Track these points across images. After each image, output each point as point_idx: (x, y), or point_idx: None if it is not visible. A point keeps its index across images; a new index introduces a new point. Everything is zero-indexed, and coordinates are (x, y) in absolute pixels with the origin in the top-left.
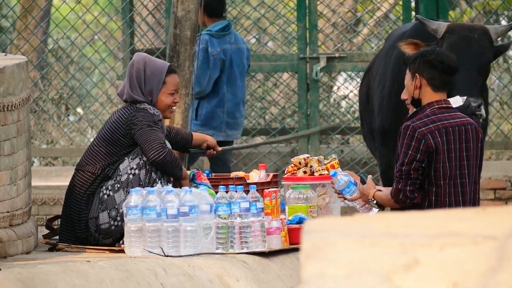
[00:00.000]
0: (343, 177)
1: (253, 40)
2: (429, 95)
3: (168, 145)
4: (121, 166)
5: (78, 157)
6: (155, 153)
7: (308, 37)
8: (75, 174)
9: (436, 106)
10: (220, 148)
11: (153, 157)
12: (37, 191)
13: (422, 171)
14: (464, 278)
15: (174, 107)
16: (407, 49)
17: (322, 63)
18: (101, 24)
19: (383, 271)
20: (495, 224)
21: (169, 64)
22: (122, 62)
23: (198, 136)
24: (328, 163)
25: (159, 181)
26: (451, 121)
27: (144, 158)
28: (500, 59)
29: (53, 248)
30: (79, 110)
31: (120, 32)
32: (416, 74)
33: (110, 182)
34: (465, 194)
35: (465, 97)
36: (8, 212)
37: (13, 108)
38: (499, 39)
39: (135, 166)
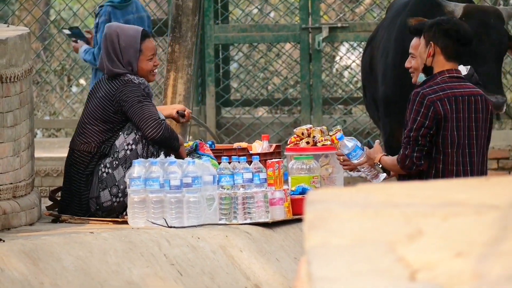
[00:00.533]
0: (349, 141)
1: (255, 11)
2: (441, 64)
3: (162, 116)
4: (117, 143)
5: None
6: (152, 131)
7: (310, 7)
8: (70, 154)
9: (447, 75)
10: (188, 110)
11: (151, 135)
12: (40, 162)
13: (430, 138)
14: (467, 248)
15: (155, 70)
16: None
17: (325, 33)
18: None
19: (386, 241)
20: (498, 193)
21: (141, 29)
22: None
23: (163, 108)
24: (333, 134)
25: (156, 153)
26: (461, 90)
27: (140, 133)
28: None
29: (56, 220)
30: (81, 81)
31: None
32: (431, 42)
33: (108, 160)
34: (473, 164)
35: (469, 66)
36: (11, 183)
37: (16, 80)
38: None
39: (131, 142)
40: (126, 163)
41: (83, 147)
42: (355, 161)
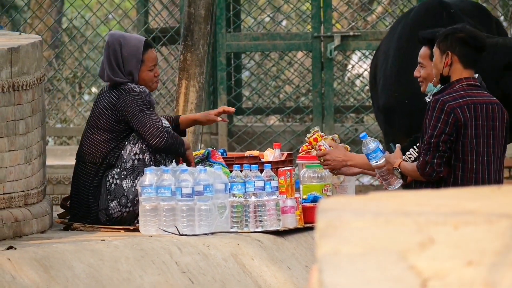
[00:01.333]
0: (372, 141)
1: (267, 19)
2: (459, 72)
3: (165, 123)
4: (124, 153)
5: None
6: (156, 140)
7: (323, 16)
8: (77, 165)
9: (465, 83)
10: (231, 109)
11: (155, 144)
12: (52, 170)
13: (450, 144)
14: (479, 256)
15: (156, 80)
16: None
17: (337, 41)
18: (115, 3)
19: (398, 249)
20: (510, 202)
21: (144, 39)
22: None
23: (186, 117)
24: (310, 136)
25: (163, 161)
26: (479, 98)
27: (146, 142)
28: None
29: (68, 227)
30: (93, 89)
31: (134, 11)
32: (448, 51)
33: (116, 171)
34: (490, 173)
35: (477, 75)
36: (23, 191)
37: (28, 88)
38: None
39: (138, 151)
40: (134, 173)
41: (88, 158)
42: (374, 163)
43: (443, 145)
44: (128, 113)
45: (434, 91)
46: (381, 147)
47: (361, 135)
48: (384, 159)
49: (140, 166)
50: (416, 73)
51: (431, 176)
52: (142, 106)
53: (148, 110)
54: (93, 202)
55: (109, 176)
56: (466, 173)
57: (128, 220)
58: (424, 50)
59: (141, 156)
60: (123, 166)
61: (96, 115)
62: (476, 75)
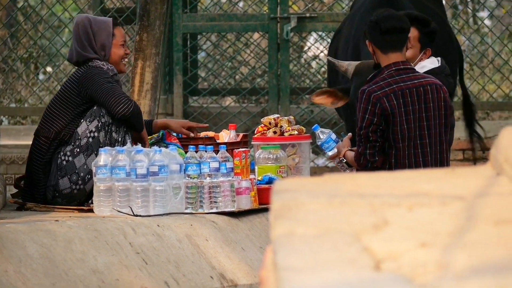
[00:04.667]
0: (322, 133)
1: (224, 0)
2: (383, 58)
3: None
4: (79, 130)
5: None
6: (123, 107)
7: None
8: (33, 141)
9: (394, 68)
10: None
11: (123, 111)
12: (6, 150)
13: (381, 133)
14: (432, 238)
15: (126, 59)
16: (322, 100)
17: (293, 23)
18: None
19: (352, 231)
20: (464, 184)
21: (111, 18)
22: None
23: (159, 122)
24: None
25: (121, 140)
26: (408, 82)
27: (103, 120)
28: (471, 20)
29: (21, 207)
30: (48, 69)
31: None
32: (367, 40)
33: (69, 148)
34: (426, 155)
35: (439, 58)
36: None
37: None
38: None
39: (93, 129)
40: (88, 151)
41: (42, 133)
42: (329, 153)
43: (373, 135)
44: (93, 83)
45: None
46: (333, 137)
47: (313, 127)
48: (336, 149)
49: (94, 144)
50: None
51: (366, 166)
52: (110, 78)
53: (115, 84)
54: (43, 178)
55: (61, 153)
56: (399, 160)
57: (78, 197)
58: (411, 31)
59: (96, 134)
60: (76, 143)
61: (59, 91)
62: (439, 58)
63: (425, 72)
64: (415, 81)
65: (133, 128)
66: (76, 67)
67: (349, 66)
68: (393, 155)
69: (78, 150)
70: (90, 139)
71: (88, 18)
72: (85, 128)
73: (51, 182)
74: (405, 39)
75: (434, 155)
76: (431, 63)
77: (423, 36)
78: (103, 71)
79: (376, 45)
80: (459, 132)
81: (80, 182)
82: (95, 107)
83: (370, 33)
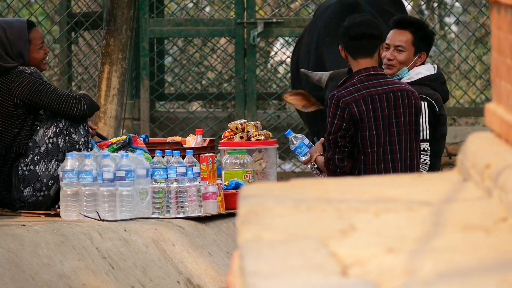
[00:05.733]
0: (295, 138)
1: (191, 5)
2: (353, 63)
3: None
4: (37, 138)
5: None
6: (78, 108)
7: (246, 2)
8: None
9: (364, 74)
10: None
11: (80, 112)
12: None
13: (350, 139)
14: (399, 243)
15: (46, 58)
16: (295, 101)
17: (260, 28)
18: None
19: (319, 236)
20: (431, 190)
21: (25, 20)
22: (58, 25)
23: None
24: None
25: (82, 141)
26: (378, 88)
27: (61, 124)
28: (437, 26)
29: None
30: None
31: None
32: (340, 46)
33: (29, 157)
34: (395, 161)
35: (436, 65)
36: None
37: None
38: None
39: (52, 135)
40: (48, 157)
41: None
42: (302, 158)
43: (342, 140)
44: (34, 95)
45: (405, 76)
46: (306, 142)
47: (286, 133)
48: (309, 153)
49: (54, 150)
50: (389, 55)
51: (335, 172)
52: (43, 82)
53: (49, 84)
54: (5, 193)
55: (22, 164)
56: (368, 165)
57: (44, 203)
58: (405, 35)
59: (55, 139)
60: (36, 151)
61: None
62: (435, 65)
63: (420, 79)
64: (385, 87)
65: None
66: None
67: (322, 75)
68: (362, 160)
69: (38, 157)
70: (50, 145)
71: (2, 25)
72: (43, 135)
73: (14, 196)
74: (375, 45)
75: (404, 162)
76: (427, 69)
77: (417, 40)
78: (30, 75)
79: (347, 51)
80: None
81: (44, 188)
82: (48, 113)
83: (341, 39)
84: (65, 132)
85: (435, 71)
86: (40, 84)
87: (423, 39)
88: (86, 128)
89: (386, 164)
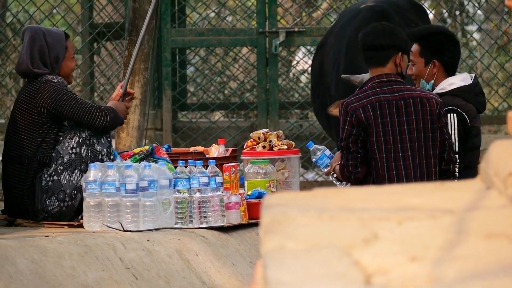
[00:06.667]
0: (317, 149)
1: (212, 14)
2: (371, 72)
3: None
4: (60, 148)
5: None
6: (101, 120)
7: (267, 11)
8: (4, 167)
9: (376, 81)
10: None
11: (103, 123)
12: None
13: (362, 144)
14: (422, 252)
15: (74, 72)
16: (338, 112)
17: (282, 37)
18: None
19: (342, 245)
20: (453, 198)
21: (63, 30)
22: (81, 36)
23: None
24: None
25: (104, 152)
26: (388, 95)
27: (84, 134)
28: (459, 34)
29: (11, 223)
30: None
31: (79, 6)
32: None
33: (52, 168)
34: (408, 168)
35: (473, 75)
36: None
37: None
38: None
39: (75, 145)
40: (71, 167)
41: (14, 159)
42: (324, 169)
43: (354, 146)
44: (59, 104)
45: (427, 87)
46: (327, 153)
47: (307, 144)
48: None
49: (77, 160)
50: (409, 71)
51: (350, 178)
52: (68, 92)
53: (75, 95)
54: (29, 203)
55: (45, 175)
56: (379, 172)
57: (67, 214)
58: (414, 47)
59: (78, 150)
60: (59, 162)
61: (16, 113)
62: (473, 75)
63: (452, 90)
64: (396, 94)
65: (119, 125)
66: (25, 84)
67: (364, 77)
68: (373, 166)
69: (61, 168)
70: (73, 155)
71: (42, 29)
72: (66, 145)
73: (38, 207)
74: (387, 55)
75: (419, 169)
76: (462, 80)
77: (423, 50)
78: (56, 84)
79: (365, 59)
80: None
81: (67, 199)
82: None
83: (361, 48)
84: (88, 142)
85: (471, 81)
86: (65, 93)
87: (429, 48)
88: (109, 139)
89: (399, 171)
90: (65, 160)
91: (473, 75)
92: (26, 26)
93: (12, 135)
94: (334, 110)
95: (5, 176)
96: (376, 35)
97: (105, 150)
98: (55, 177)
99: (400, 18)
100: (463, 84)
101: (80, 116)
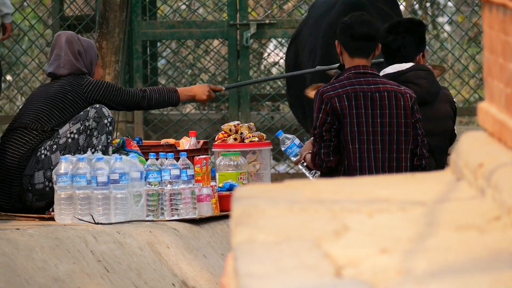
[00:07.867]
0: (286, 138)
1: (183, 7)
2: (348, 61)
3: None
4: (61, 130)
5: (7, 125)
6: (146, 101)
7: (238, 4)
8: (12, 134)
9: (353, 72)
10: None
11: (147, 104)
12: None
13: (335, 133)
14: (393, 244)
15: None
16: (312, 94)
17: (252, 29)
18: None
19: (313, 237)
20: (424, 190)
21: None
22: (51, 28)
23: (185, 91)
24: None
25: (98, 148)
26: (364, 86)
27: (87, 123)
28: (430, 25)
29: None
30: (8, 77)
31: None
32: (337, 41)
33: (49, 142)
34: (378, 160)
35: (413, 64)
36: None
37: None
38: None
39: (75, 131)
40: (65, 150)
41: (34, 126)
42: (293, 158)
43: (327, 134)
44: (104, 91)
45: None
46: (297, 142)
47: (277, 133)
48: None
49: (73, 146)
50: None
51: (321, 166)
52: (113, 84)
53: (121, 88)
54: (23, 165)
55: (43, 147)
56: (350, 162)
57: (48, 196)
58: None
59: (76, 135)
60: (56, 141)
61: (59, 92)
62: (412, 64)
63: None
64: (372, 86)
65: (171, 105)
66: (68, 76)
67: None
68: (346, 156)
69: (56, 147)
70: (69, 140)
71: (75, 35)
72: (66, 129)
73: (28, 172)
74: (373, 47)
75: (388, 162)
76: (394, 68)
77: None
78: (102, 81)
79: (345, 48)
80: None
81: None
82: (82, 112)
83: (340, 35)
84: (88, 132)
85: (402, 69)
86: (110, 85)
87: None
88: (109, 141)
89: (370, 163)
90: (61, 142)
91: (413, 64)
92: (60, 32)
93: (47, 106)
94: (311, 93)
95: (9, 144)
96: (369, 26)
97: (100, 147)
98: (48, 153)
99: (375, 10)
100: (391, 71)
101: (124, 102)
